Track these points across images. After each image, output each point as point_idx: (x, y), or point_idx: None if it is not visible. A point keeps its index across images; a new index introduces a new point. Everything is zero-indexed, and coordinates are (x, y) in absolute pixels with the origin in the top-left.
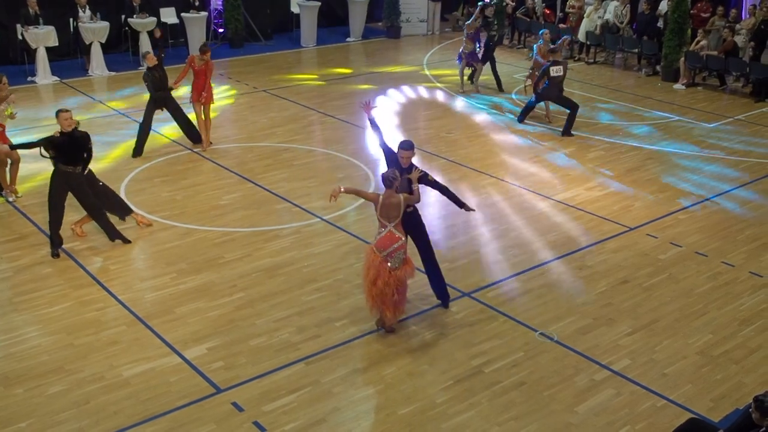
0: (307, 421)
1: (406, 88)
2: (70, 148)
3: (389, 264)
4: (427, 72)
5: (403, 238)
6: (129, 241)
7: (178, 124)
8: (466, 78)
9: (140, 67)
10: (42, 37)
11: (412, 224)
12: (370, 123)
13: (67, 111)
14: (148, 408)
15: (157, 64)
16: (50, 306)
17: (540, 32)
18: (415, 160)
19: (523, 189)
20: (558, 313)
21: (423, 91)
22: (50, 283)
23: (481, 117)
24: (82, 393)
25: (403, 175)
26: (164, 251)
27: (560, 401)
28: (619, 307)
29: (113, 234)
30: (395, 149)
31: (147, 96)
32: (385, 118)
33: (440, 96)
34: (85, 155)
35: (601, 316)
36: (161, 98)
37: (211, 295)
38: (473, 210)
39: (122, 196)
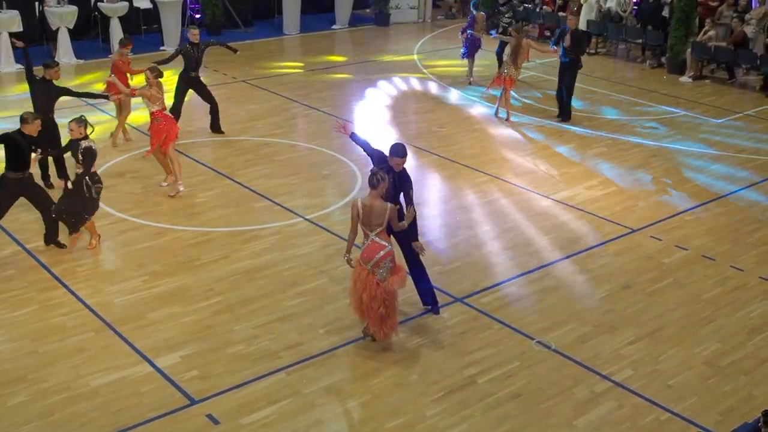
0: None
1: (395, 79)
2: (25, 151)
3: (376, 276)
4: (418, 62)
5: (389, 246)
6: (64, 246)
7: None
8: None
9: (110, 55)
10: (5, 22)
11: None
12: (352, 139)
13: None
14: (118, 420)
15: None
16: (12, 310)
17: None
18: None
19: (520, 187)
20: (556, 320)
21: (414, 83)
22: (13, 286)
23: (476, 110)
24: (47, 404)
25: (391, 175)
26: (135, 252)
27: (558, 414)
28: (622, 314)
29: (52, 238)
30: (384, 151)
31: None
32: (373, 112)
33: (432, 88)
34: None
35: (602, 324)
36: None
37: (185, 300)
38: (422, 252)
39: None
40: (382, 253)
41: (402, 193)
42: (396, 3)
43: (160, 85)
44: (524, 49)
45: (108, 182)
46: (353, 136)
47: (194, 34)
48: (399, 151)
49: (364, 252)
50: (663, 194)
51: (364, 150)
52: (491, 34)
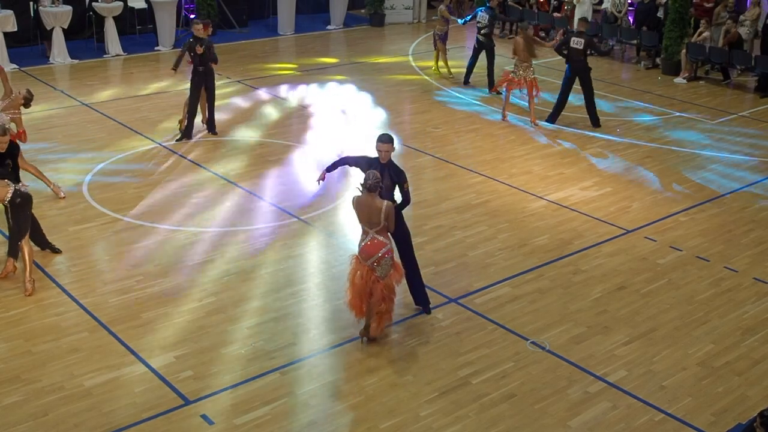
0: None
1: (390, 80)
2: None
3: (377, 273)
4: (412, 63)
5: (389, 244)
6: (59, 251)
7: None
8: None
9: (105, 55)
10: None
11: None
12: (329, 171)
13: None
14: (111, 420)
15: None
16: (6, 310)
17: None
18: (398, 160)
19: (514, 188)
20: (550, 320)
21: (408, 83)
22: (6, 286)
23: (470, 111)
24: (40, 404)
25: (387, 170)
26: (129, 252)
27: (552, 415)
28: (616, 315)
29: (44, 243)
30: (368, 155)
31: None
32: (368, 113)
33: (427, 88)
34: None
35: (596, 324)
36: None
37: (179, 300)
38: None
39: (85, 192)
40: (383, 251)
41: (398, 186)
42: (391, 3)
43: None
44: (521, 48)
45: (103, 182)
46: (329, 170)
47: (198, 29)
48: (383, 136)
49: (364, 249)
50: (657, 195)
51: (348, 164)
52: (459, 22)
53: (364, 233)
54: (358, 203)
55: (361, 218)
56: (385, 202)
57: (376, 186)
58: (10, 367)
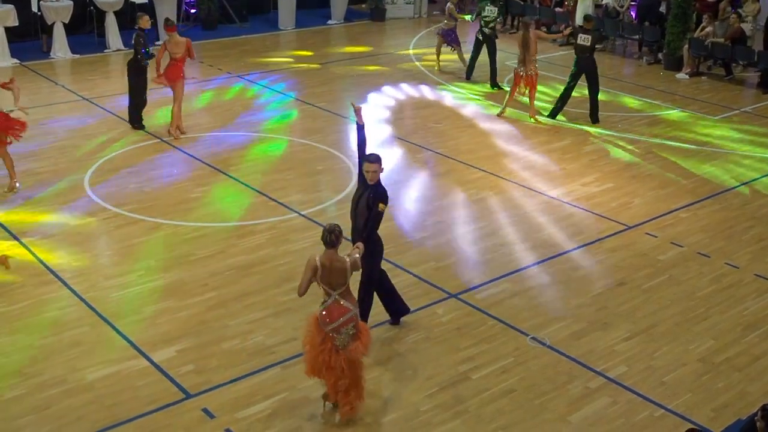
0: (282, 429)
1: (391, 75)
2: None
3: (336, 342)
4: (413, 57)
5: (353, 310)
6: None
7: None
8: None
9: (106, 50)
10: (0, 16)
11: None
12: (359, 131)
13: None
14: (113, 414)
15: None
16: (8, 304)
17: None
18: (399, 155)
19: (515, 184)
20: (551, 316)
21: (409, 79)
22: (8, 280)
23: (472, 107)
24: (43, 397)
25: (367, 192)
26: (131, 247)
27: (552, 410)
28: (616, 311)
29: None
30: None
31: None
32: (369, 108)
33: (428, 83)
34: None
35: (596, 320)
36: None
37: (181, 295)
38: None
39: (86, 187)
40: (343, 318)
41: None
42: None
43: None
44: (534, 43)
45: (103, 177)
46: (360, 129)
47: (146, 20)
48: (371, 156)
49: (323, 314)
50: (658, 191)
51: (359, 149)
52: (468, 19)
53: (326, 294)
54: (321, 264)
55: (321, 278)
56: (348, 261)
57: (335, 242)
58: (13, 360)
